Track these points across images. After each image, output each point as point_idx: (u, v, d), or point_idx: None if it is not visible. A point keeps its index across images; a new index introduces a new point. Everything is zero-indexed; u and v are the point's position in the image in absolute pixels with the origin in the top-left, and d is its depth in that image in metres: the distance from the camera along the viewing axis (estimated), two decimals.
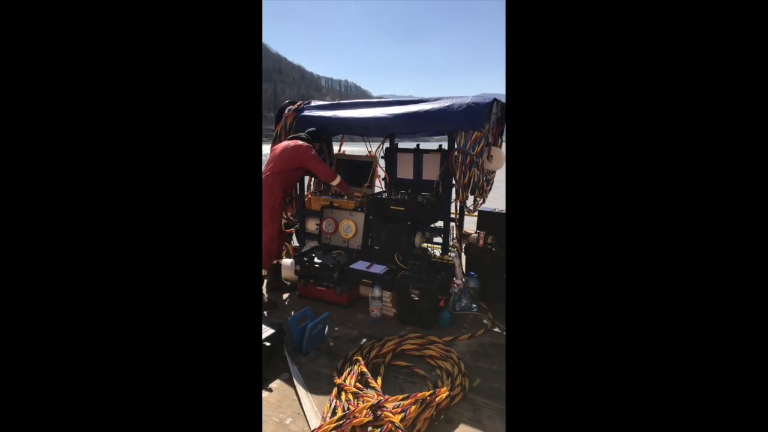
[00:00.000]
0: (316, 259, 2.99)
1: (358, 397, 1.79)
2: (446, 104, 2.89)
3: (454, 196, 3.06)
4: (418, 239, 3.13)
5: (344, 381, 1.90)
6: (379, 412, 1.64)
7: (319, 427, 1.60)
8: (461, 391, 1.90)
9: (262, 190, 2.89)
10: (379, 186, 3.61)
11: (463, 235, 3.22)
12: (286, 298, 3.11)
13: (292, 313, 2.59)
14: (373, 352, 2.20)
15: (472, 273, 3.03)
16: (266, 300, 2.93)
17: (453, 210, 3.15)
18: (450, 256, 2.95)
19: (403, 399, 1.75)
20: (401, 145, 3.51)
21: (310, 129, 3.23)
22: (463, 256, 3.12)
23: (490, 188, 3.09)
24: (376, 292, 2.68)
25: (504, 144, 3.14)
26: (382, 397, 1.74)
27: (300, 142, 3.06)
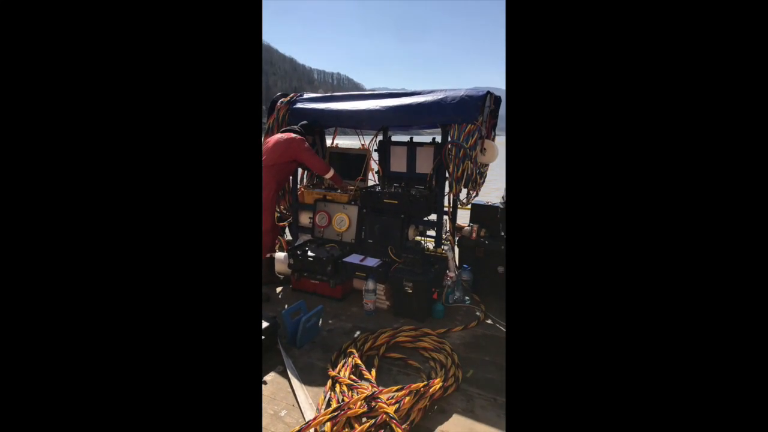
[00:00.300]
0: (309, 253, 2.98)
1: (352, 389, 1.80)
2: (439, 97, 2.89)
3: (447, 189, 3.07)
4: (411, 232, 3.14)
5: (338, 373, 1.91)
6: (373, 404, 1.66)
7: (314, 419, 1.61)
8: (454, 382, 1.93)
9: None
10: (372, 179, 3.61)
11: (456, 228, 3.23)
12: (280, 292, 3.10)
13: (286, 306, 2.59)
14: (367, 345, 2.21)
15: (465, 266, 3.05)
16: None
17: (446, 203, 3.16)
18: (443, 249, 2.96)
19: (397, 390, 1.77)
20: (394, 138, 3.49)
21: (302, 122, 3.21)
22: (456, 249, 3.13)
23: (483, 181, 3.10)
24: (370, 285, 2.69)
25: (496, 137, 3.15)
26: (376, 389, 1.75)
27: (293, 135, 3.04)
